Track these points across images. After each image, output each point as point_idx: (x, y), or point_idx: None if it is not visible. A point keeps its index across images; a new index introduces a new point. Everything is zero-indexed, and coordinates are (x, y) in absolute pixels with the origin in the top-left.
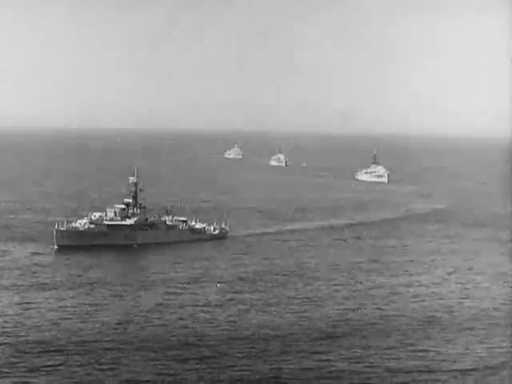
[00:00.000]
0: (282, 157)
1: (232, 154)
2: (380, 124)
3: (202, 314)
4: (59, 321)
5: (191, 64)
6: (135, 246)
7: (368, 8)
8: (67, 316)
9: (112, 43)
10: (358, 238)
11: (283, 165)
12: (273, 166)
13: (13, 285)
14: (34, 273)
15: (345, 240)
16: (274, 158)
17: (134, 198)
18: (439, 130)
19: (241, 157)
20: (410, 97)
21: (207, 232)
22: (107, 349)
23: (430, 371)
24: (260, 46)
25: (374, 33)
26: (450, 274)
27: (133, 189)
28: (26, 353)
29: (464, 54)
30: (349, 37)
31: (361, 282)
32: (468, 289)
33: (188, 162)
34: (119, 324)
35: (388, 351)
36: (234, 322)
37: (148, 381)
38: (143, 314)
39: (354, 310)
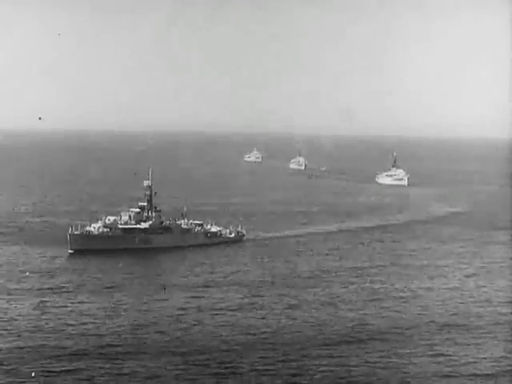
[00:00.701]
0: (301, 160)
1: (251, 157)
2: (384, 127)
3: (223, 318)
4: (77, 325)
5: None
6: (150, 249)
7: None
8: (86, 320)
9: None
10: (380, 241)
11: (303, 168)
12: (292, 169)
13: (27, 288)
14: (49, 277)
15: (365, 243)
16: (293, 161)
17: (149, 201)
18: (445, 131)
19: (260, 160)
20: (412, 98)
21: (223, 235)
22: (128, 353)
23: (449, 376)
24: (263, 47)
25: (372, 32)
26: (468, 277)
27: (147, 192)
28: (45, 357)
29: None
30: (348, 37)
31: (379, 286)
32: (486, 292)
33: (207, 165)
34: (137, 329)
35: (408, 355)
36: (254, 325)
37: None
38: (165, 317)
39: (373, 314)
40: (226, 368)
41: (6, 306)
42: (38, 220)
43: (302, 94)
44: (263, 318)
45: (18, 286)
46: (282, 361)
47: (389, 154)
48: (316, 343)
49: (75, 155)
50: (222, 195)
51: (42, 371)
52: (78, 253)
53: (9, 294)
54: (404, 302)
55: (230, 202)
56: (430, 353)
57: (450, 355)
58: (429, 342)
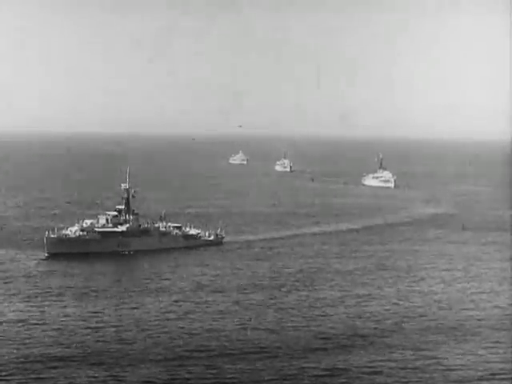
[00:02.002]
0: (286, 162)
1: (237, 159)
2: (378, 127)
3: (208, 322)
4: (57, 330)
5: (190, 68)
6: (128, 253)
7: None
8: (68, 325)
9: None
10: (365, 242)
11: (288, 170)
12: (278, 172)
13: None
14: (25, 280)
15: (350, 245)
16: (278, 163)
17: (127, 204)
18: (438, 132)
19: (245, 162)
20: (407, 100)
21: (202, 238)
22: (113, 358)
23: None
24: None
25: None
26: (455, 278)
27: (125, 195)
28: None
29: (463, 55)
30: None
31: (365, 288)
32: (474, 294)
33: (191, 167)
34: (122, 334)
35: (393, 357)
36: (243, 328)
37: None
38: (148, 322)
39: (360, 316)
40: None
41: None
42: (16, 223)
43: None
44: (248, 321)
45: None
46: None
47: (375, 155)
48: (302, 347)
49: (61, 158)
50: (204, 198)
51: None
52: (55, 256)
53: None
54: (391, 304)
55: (211, 205)
56: (417, 356)
57: (437, 358)
58: (416, 345)
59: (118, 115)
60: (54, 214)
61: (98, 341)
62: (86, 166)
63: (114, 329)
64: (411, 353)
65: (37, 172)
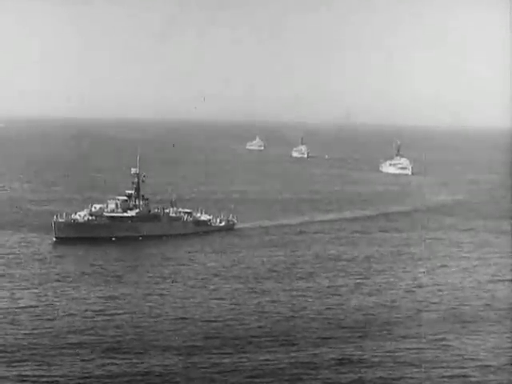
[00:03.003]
0: (303, 148)
1: (254, 145)
2: (388, 117)
3: (224, 309)
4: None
5: (204, 54)
6: (138, 238)
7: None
8: (80, 310)
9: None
10: (382, 230)
11: (305, 156)
12: (295, 158)
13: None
14: (34, 264)
15: (366, 232)
16: (295, 149)
17: (137, 189)
18: (441, 120)
19: (262, 148)
20: (413, 90)
21: (213, 224)
22: (129, 345)
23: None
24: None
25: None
26: (470, 267)
27: (135, 180)
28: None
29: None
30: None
31: (381, 276)
32: (490, 282)
33: (207, 152)
34: (136, 318)
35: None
36: (263, 312)
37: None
38: (164, 308)
39: (375, 303)
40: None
41: None
42: (29, 206)
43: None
44: (270, 306)
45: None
46: (292, 351)
47: (391, 142)
48: (317, 335)
49: (75, 143)
50: (218, 183)
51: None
52: (63, 240)
53: None
54: (406, 292)
55: (224, 190)
56: (432, 344)
57: (452, 347)
58: (431, 333)
59: (132, 101)
60: (65, 198)
61: (113, 327)
62: (98, 150)
63: (129, 315)
64: (425, 341)
65: (47, 156)
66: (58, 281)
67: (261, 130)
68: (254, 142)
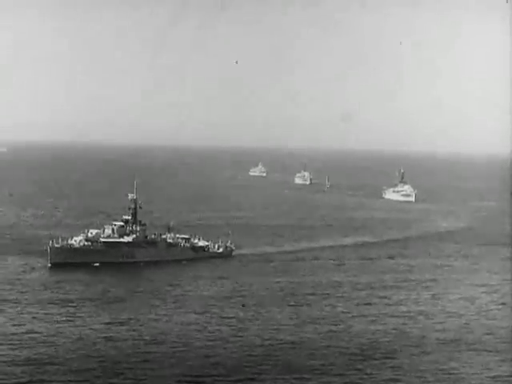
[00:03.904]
0: (306, 174)
1: (256, 171)
2: (388, 140)
3: (227, 335)
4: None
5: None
6: (134, 263)
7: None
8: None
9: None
10: (385, 256)
11: (308, 183)
12: (297, 184)
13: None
14: (30, 290)
15: (369, 258)
16: (298, 175)
17: (133, 214)
18: (444, 146)
19: (265, 174)
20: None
21: (210, 250)
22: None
23: None
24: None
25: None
26: (473, 293)
27: (132, 205)
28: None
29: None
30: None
31: (384, 301)
32: (492, 309)
33: (210, 178)
34: (138, 345)
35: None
36: (267, 339)
37: None
38: (167, 334)
39: (379, 330)
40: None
41: None
42: (26, 231)
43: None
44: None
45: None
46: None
47: (394, 169)
48: (319, 363)
49: (76, 167)
50: (219, 210)
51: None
52: (58, 266)
53: None
54: (410, 319)
55: (224, 217)
56: (437, 370)
57: (457, 373)
58: (434, 359)
59: (137, 127)
60: (62, 223)
61: (115, 353)
62: (99, 175)
63: (131, 342)
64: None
65: (50, 181)
66: (58, 305)
67: (263, 156)
68: (257, 168)
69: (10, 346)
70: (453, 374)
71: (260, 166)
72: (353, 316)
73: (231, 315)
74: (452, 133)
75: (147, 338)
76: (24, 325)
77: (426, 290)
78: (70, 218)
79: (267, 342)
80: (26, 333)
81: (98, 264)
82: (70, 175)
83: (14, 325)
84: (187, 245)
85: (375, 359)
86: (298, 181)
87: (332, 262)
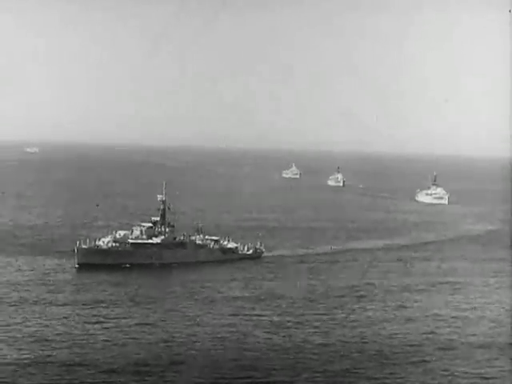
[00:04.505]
0: (339, 177)
1: (289, 173)
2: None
3: (262, 337)
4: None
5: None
6: (162, 265)
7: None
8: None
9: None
10: (418, 259)
11: (341, 185)
12: (330, 186)
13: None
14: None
15: (401, 261)
16: (331, 177)
17: (162, 216)
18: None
19: (298, 176)
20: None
21: (240, 252)
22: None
23: None
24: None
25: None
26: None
27: (161, 207)
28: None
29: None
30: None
31: (416, 305)
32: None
33: (242, 180)
34: (172, 347)
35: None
36: (300, 341)
37: None
38: (203, 335)
39: (409, 333)
40: None
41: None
42: (56, 231)
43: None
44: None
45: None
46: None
47: (425, 172)
48: (352, 364)
49: (104, 168)
50: (251, 211)
51: None
52: (85, 267)
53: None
54: (443, 322)
55: (256, 218)
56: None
57: (489, 377)
58: (466, 363)
59: (168, 129)
60: (90, 224)
61: (145, 355)
62: (132, 176)
63: (162, 343)
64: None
65: (79, 182)
66: (87, 307)
67: (297, 158)
68: (290, 170)
69: (40, 347)
70: (485, 378)
71: (293, 168)
72: (385, 319)
73: (263, 317)
74: (478, 135)
75: (179, 340)
76: (53, 326)
77: (460, 293)
78: (99, 219)
79: (299, 345)
80: (57, 334)
81: (128, 265)
82: (99, 176)
83: (43, 326)
84: (216, 246)
85: (407, 363)
86: (331, 183)
87: (365, 264)
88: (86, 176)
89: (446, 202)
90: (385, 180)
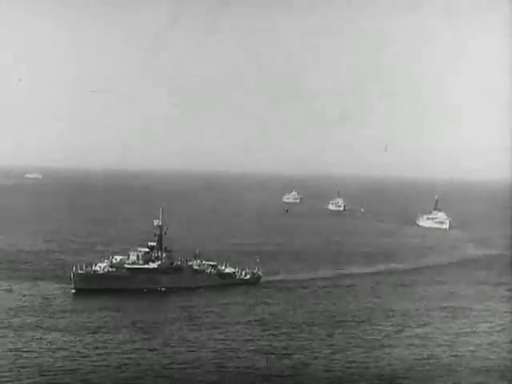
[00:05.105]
0: (340, 201)
1: (290, 197)
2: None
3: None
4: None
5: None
6: (159, 290)
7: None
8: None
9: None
10: (419, 282)
11: (342, 209)
12: (331, 210)
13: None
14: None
15: (403, 285)
16: (332, 202)
17: (159, 241)
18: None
19: (299, 201)
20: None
21: (237, 277)
22: None
23: None
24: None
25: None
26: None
27: (157, 232)
28: None
29: None
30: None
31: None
32: None
33: (242, 205)
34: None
35: None
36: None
37: None
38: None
39: (413, 357)
40: None
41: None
42: (50, 257)
43: None
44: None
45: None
46: None
47: (427, 196)
48: None
49: (103, 194)
50: (251, 236)
51: None
52: (82, 292)
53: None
54: (445, 347)
55: (255, 243)
56: None
57: None
58: None
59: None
60: (87, 249)
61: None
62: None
63: (164, 368)
64: None
65: (78, 207)
66: (85, 332)
67: (297, 182)
68: (291, 194)
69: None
70: None
71: (294, 193)
72: (386, 343)
73: (264, 342)
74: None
75: (180, 364)
76: (53, 352)
77: (460, 317)
78: (95, 244)
79: (300, 371)
80: (58, 360)
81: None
82: (96, 201)
83: (43, 352)
84: (214, 271)
85: None
86: (331, 207)
87: (365, 288)
88: (83, 201)
89: (447, 226)
90: (386, 204)
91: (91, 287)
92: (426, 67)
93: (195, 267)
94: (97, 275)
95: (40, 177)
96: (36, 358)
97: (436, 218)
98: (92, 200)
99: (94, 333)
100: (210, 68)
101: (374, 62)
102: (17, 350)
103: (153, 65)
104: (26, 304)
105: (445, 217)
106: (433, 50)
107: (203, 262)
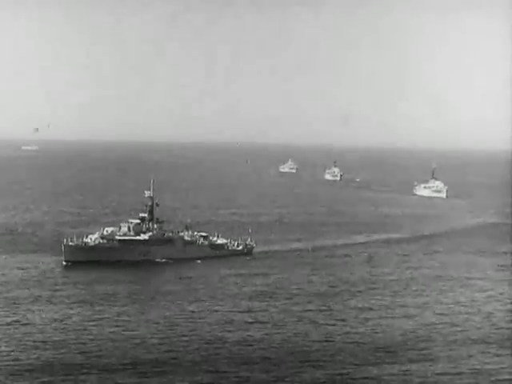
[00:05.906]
0: (336, 170)
1: (286, 167)
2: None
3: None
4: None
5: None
6: (150, 261)
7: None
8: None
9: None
10: (416, 253)
11: (338, 179)
12: (327, 180)
13: (19, 298)
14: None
15: (400, 254)
16: (328, 171)
17: (150, 212)
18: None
19: (295, 171)
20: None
21: (229, 248)
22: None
23: None
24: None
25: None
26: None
27: (149, 203)
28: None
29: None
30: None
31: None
32: None
33: (239, 175)
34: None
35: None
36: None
37: None
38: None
39: (407, 326)
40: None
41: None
42: (44, 229)
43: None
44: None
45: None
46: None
47: (423, 165)
48: (345, 357)
49: (92, 165)
50: (246, 206)
51: None
52: (73, 264)
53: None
54: (440, 315)
55: (250, 213)
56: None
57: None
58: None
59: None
60: (79, 221)
61: (146, 352)
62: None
63: (160, 338)
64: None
65: (70, 179)
66: (79, 304)
67: (294, 152)
68: (287, 164)
69: (34, 346)
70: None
71: (290, 163)
72: (385, 314)
73: (261, 313)
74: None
75: (177, 336)
76: (46, 324)
77: (459, 286)
78: (86, 215)
79: (297, 340)
80: (55, 334)
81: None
82: (88, 173)
83: (36, 324)
84: (205, 242)
85: (402, 356)
86: (327, 177)
87: (362, 257)
88: (77, 173)
89: (445, 195)
90: (383, 173)
91: (82, 259)
92: None
93: (186, 238)
94: (87, 247)
95: (36, 148)
96: (30, 332)
97: (433, 187)
98: (80, 172)
99: (90, 304)
100: None
101: None
102: (16, 322)
103: None
104: (20, 277)
105: (442, 185)
106: None
107: (195, 233)
